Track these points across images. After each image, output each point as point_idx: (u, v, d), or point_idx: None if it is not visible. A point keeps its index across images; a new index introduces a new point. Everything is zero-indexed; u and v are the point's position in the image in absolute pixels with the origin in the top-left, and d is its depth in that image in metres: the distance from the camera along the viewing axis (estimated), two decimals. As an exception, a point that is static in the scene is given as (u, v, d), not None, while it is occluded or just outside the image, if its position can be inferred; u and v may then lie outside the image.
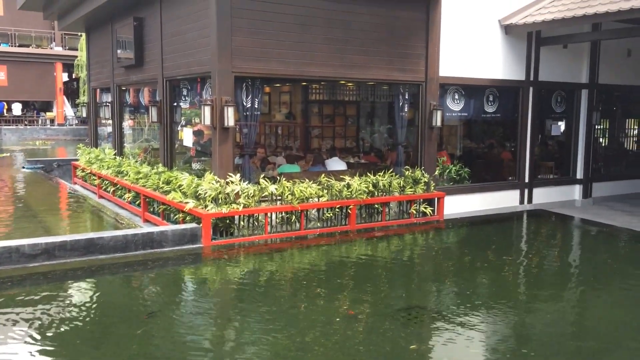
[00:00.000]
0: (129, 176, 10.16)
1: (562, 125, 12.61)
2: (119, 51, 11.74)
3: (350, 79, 9.82)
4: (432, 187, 9.91)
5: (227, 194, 7.88)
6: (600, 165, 12.87)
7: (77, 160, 14.02)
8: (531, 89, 11.23)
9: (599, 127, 12.81)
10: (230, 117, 7.99)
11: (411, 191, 9.59)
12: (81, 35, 27.64)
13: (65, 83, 36.37)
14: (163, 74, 9.89)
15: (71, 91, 37.79)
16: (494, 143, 12.91)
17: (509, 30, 10.73)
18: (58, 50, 34.67)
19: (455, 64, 10.24)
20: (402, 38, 9.57)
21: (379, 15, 9.27)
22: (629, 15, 9.01)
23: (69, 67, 35.40)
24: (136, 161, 11.29)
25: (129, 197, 10.19)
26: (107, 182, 11.35)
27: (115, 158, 11.97)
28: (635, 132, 14.02)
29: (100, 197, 11.64)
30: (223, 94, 8.01)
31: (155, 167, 9.97)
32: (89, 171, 12.54)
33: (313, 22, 8.70)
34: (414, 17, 9.66)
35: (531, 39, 11.09)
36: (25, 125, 33.25)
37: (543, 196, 11.62)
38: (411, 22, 9.63)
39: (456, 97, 10.64)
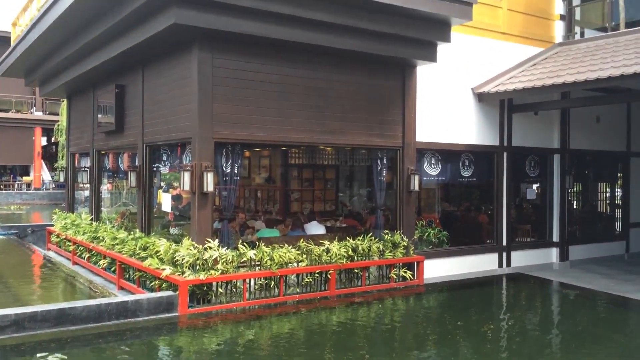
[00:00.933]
0: (105, 242, 10.00)
1: (536, 188, 12.86)
2: (99, 116, 11.82)
3: (329, 144, 9.98)
4: (412, 251, 9.92)
5: (205, 259, 7.78)
6: (575, 228, 13.06)
7: (52, 225, 13.79)
8: (505, 153, 11.51)
9: (572, 191, 13.09)
10: (209, 182, 8.00)
11: (391, 255, 9.58)
12: (62, 101, 27.79)
13: (43, 147, 36.23)
14: (143, 140, 9.94)
15: (49, 155, 37.60)
16: (471, 206, 13.07)
17: (481, 98, 11.10)
18: (38, 115, 34.75)
19: (432, 129, 10.50)
20: (379, 105, 9.83)
21: (356, 83, 9.55)
22: (595, 85, 9.43)
23: (48, 132, 35.37)
24: (113, 226, 11.14)
25: (104, 264, 9.99)
26: (82, 248, 11.14)
27: (92, 223, 11.81)
28: (608, 195, 14.33)
29: (75, 263, 11.39)
30: (203, 160, 8.06)
31: (132, 232, 9.84)
32: (64, 237, 12.32)
33: (292, 89, 8.91)
34: (391, 85, 9.96)
35: (503, 106, 11.47)
36: (1, 189, 32.79)
37: (521, 259, 11.69)
38: (388, 89, 9.93)
39: (433, 161, 10.84)
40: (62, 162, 27.77)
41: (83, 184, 13.96)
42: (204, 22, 7.54)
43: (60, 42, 10.85)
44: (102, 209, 12.94)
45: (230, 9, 7.60)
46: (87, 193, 13.83)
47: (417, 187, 10.09)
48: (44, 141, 36.31)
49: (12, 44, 13.12)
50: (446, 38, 9.52)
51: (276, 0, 7.75)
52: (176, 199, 10.34)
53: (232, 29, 7.76)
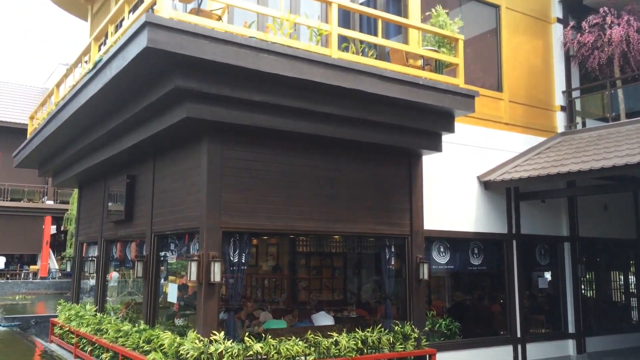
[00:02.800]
0: (109, 334, 9.78)
1: (548, 277, 12.64)
2: (109, 205, 11.96)
3: (337, 232, 9.97)
4: (423, 343, 9.62)
5: (210, 353, 7.56)
6: (591, 318, 12.69)
7: (56, 316, 13.57)
8: (514, 242, 11.44)
9: (585, 279, 12.85)
10: (217, 272, 7.94)
11: (401, 348, 9.27)
12: (74, 189, 28.25)
13: (52, 235, 36.38)
14: (152, 229, 9.99)
15: (58, 243, 37.66)
16: (482, 295, 12.81)
17: (487, 186, 11.20)
18: (49, 203, 35.18)
19: (440, 217, 10.52)
20: (387, 193, 9.90)
21: (363, 172, 9.68)
22: (600, 174, 9.52)
23: (58, 220, 35.66)
24: (117, 317, 10.95)
25: (107, 357, 9.71)
26: (85, 340, 10.89)
27: (96, 314, 11.62)
28: (621, 283, 14.04)
29: (77, 357, 11.09)
30: (210, 249, 8.05)
31: (136, 323, 9.65)
32: (67, 329, 12.08)
33: (300, 178, 9.04)
34: (398, 174, 10.08)
35: (510, 194, 11.54)
36: (7, 278, 32.58)
37: (537, 352, 11.29)
38: (395, 178, 10.04)
39: (442, 249, 10.76)
40: (70, 251, 27.77)
41: (90, 273, 13.88)
42: (215, 115, 7.79)
43: (75, 135, 11.20)
44: (108, 299, 12.78)
45: (241, 103, 7.87)
46: (92, 282, 13.72)
47: (426, 276, 9.94)
48: (53, 229, 36.51)
49: (29, 136, 13.55)
50: (450, 129, 9.75)
51: (285, 94, 8.04)
52: (182, 288, 10.21)
53: (242, 122, 8.00)
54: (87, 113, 9.53)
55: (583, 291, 12.51)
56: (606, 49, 12.34)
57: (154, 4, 7.33)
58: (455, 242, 10.91)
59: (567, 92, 13.03)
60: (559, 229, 12.18)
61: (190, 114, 7.61)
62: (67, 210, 32.48)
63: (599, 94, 13.34)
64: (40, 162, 14.36)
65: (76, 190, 19.28)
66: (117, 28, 9.16)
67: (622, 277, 14.03)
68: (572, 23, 13.11)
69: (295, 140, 8.93)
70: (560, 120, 12.85)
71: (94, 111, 9.43)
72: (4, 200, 33.83)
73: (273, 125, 8.22)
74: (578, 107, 13.29)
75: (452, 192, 10.83)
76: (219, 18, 7.91)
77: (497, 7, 12.35)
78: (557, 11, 13.27)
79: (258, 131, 8.40)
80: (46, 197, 35.51)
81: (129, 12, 8.58)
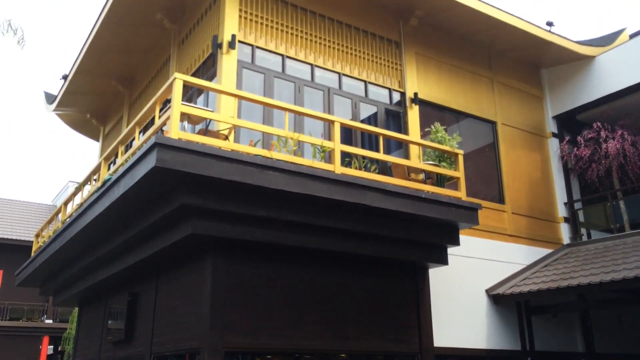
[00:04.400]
0: None
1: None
2: (110, 323, 11.64)
3: (343, 351, 9.58)
4: None
5: None
6: None
7: None
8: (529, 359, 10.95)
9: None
10: (217, 396, 7.54)
11: None
12: (75, 308, 27.69)
13: (49, 357, 35.06)
14: (152, 350, 9.64)
15: (53, 365, 36.20)
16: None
17: (497, 300, 10.94)
18: (48, 322, 34.31)
19: (450, 333, 10.16)
20: (393, 308, 9.65)
21: (369, 286, 9.50)
22: (610, 287, 9.33)
23: (55, 339, 34.54)
24: None
25: None
26: None
27: None
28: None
29: None
30: (212, 371, 7.70)
31: None
32: None
33: (305, 294, 8.86)
34: (404, 288, 9.89)
35: (521, 308, 11.23)
36: (-3, 404, 30.99)
37: None
38: (401, 293, 9.84)
39: (454, 369, 10.28)
40: (65, 373, 26.62)
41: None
42: (220, 231, 7.81)
43: (79, 253, 11.18)
44: None
45: (246, 218, 7.92)
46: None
47: (438, 399, 9.42)
48: (50, 349, 35.27)
49: (33, 254, 13.53)
50: (455, 241, 9.71)
51: (290, 209, 8.11)
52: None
53: (247, 237, 8.00)
54: (93, 230, 9.58)
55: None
56: (603, 162, 12.61)
57: (164, 124, 7.65)
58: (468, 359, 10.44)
59: (570, 204, 13.13)
60: (574, 345, 11.71)
61: (195, 231, 7.64)
62: (66, 329, 31.58)
63: (601, 206, 13.43)
64: (43, 280, 14.20)
65: (76, 309, 18.88)
66: (127, 148, 9.49)
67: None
68: (567, 138, 13.52)
69: (300, 255, 8.87)
70: (565, 232, 12.82)
71: (100, 229, 9.49)
72: (3, 320, 33.05)
73: (278, 240, 8.21)
74: (582, 218, 13.32)
75: (461, 306, 10.55)
76: (226, 137, 8.20)
77: (493, 123, 12.81)
78: (551, 126, 13.74)
79: (263, 246, 8.38)
80: (45, 316, 34.70)
81: (140, 132, 8.92)
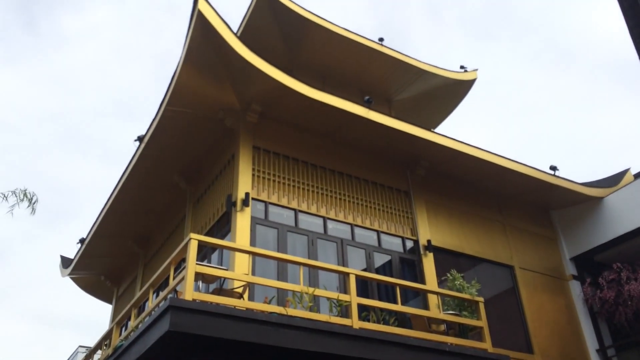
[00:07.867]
0: None
1: None
2: None
3: None
4: None
5: None
6: None
7: None
8: None
9: None
10: None
11: None
12: None
13: None
14: None
15: None
16: None
17: None
18: None
19: None
20: None
21: None
22: None
23: None
24: None
25: None
26: None
27: None
28: None
29: None
30: None
31: None
32: None
33: None
34: None
35: None
36: None
37: None
38: None
39: None
40: None
41: None
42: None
43: None
44: None
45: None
46: None
47: None
48: None
49: None
50: (486, 398, 9.04)
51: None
52: None
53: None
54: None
55: None
56: (630, 304, 12.12)
57: (178, 284, 7.57)
58: None
59: (602, 351, 12.41)
60: None
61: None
62: None
63: (636, 351, 12.66)
64: None
65: None
66: (139, 311, 9.31)
67: None
68: (588, 280, 13.10)
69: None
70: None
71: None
72: None
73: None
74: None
75: None
76: (241, 295, 8.06)
77: (510, 267, 12.60)
78: (570, 269, 13.46)
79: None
80: None
81: (154, 293, 8.81)
